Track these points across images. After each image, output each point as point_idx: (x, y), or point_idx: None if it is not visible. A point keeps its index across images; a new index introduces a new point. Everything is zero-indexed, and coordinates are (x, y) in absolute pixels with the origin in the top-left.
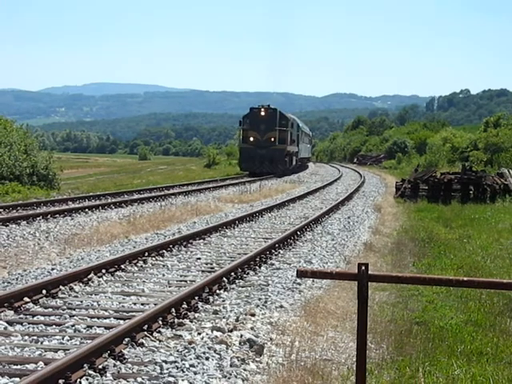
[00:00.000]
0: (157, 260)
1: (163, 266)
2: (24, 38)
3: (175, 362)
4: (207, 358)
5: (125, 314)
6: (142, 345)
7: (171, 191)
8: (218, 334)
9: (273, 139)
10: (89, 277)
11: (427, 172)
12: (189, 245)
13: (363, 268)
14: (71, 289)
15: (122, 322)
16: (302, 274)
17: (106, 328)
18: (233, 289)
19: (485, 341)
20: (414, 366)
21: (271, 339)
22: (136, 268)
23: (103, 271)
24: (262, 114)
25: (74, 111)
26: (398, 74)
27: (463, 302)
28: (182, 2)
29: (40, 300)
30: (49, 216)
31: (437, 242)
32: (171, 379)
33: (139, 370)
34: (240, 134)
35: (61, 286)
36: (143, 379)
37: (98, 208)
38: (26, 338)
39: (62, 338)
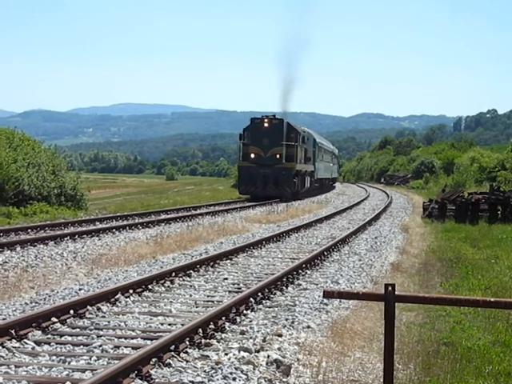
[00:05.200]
0: (184, 280)
1: (190, 286)
2: (53, 60)
3: (202, 382)
4: (234, 379)
5: (152, 334)
6: (169, 365)
7: (198, 211)
8: (245, 354)
9: (278, 156)
10: (116, 297)
11: (455, 192)
12: (216, 265)
13: (390, 289)
14: (98, 309)
15: (149, 342)
16: (328, 294)
17: (134, 348)
18: (260, 309)
19: None
20: None
21: (298, 360)
22: (163, 288)
23: (130, 291)
24: (266, 125)
25: (101, 131)
26: (426, 93)
27: (491, 322)
28: (209, 24)
29: (67, 320)
30: (76, 236)
31: (464, 262)
32: None
33: None
34: (240, 150)
35: (88, 307)
36: None
37: (126, 228)
38: (54, 358)
39: (90, 359)
